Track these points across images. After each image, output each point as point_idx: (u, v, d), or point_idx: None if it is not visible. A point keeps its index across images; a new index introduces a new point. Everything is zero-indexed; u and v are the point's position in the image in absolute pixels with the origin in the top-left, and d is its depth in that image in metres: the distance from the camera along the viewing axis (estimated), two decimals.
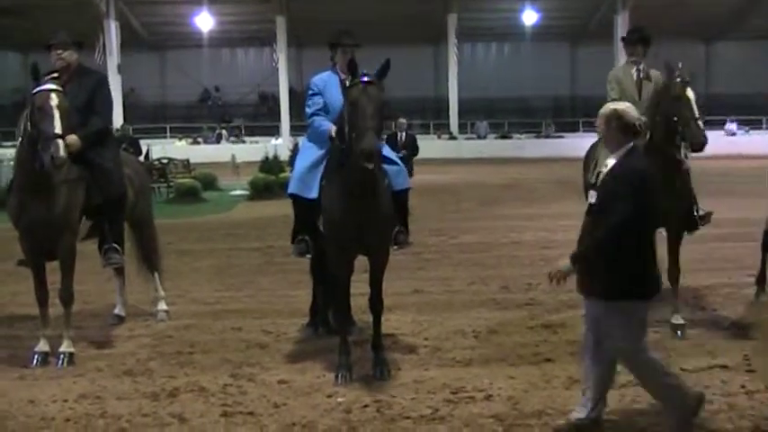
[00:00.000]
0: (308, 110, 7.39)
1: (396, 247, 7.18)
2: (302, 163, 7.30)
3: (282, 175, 21.28)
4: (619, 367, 6.26)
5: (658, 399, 5.46)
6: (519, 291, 9.73)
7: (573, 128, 42.29)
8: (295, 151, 18.36)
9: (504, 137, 43.00)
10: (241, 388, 6.49)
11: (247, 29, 43.43)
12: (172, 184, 22.55)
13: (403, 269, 10.93)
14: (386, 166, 6.96)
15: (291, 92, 40.63)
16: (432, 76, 46.09)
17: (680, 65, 7.61)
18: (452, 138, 42.38)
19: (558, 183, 23.61)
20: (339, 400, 6.18)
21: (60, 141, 6.69)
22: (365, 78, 6.41)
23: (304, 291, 8.46)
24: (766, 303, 8.78)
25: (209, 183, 23.88)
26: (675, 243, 7.91)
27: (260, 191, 21.28)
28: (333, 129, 6.92)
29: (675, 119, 7.40)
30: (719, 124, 38.31)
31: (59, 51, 7.63)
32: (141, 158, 22.25)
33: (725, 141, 35.56)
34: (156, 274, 8.94)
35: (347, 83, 6.69)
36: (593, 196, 5.33)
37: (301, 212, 7.32)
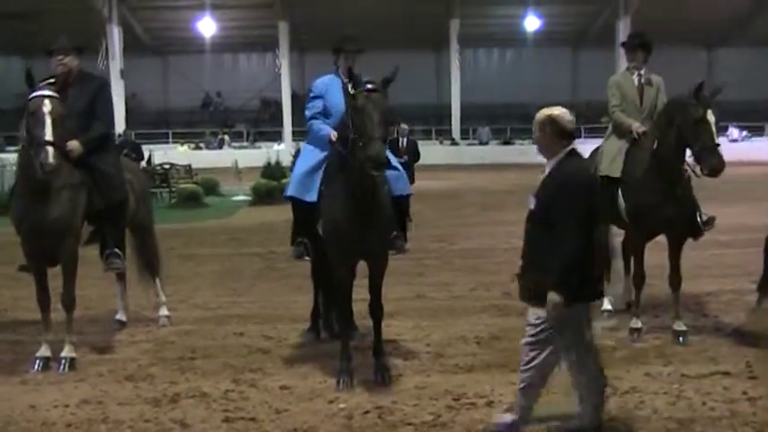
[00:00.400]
0: (307, 112, 7.43)
1: (392, 252, 7.17)
2: (302, 166, 7.30)
3: (285, 180, 21.28)
4: (616, 372, 6.27)
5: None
6: None
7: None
8: (297, 156, 18.49)
9: (506, 143, 43.01)
10: (243, 393, 6.49)
11: (250, 34, 43.47)
12: (174, 189, 22.58)
13: (404, 275, 10.94)
14: (386, 172, 6.95)
15: (294, 97, 40.63)
16: (434, 82, 46.11)
17: (704, 82, 7.43)
18: (454, 143, 42.40)
19: None
20: (341, 405, 6.18)
21: (50, 149, 6.67)
22: (369, 86, 6.40)
23: (306, 296, 8.46)
24: None
25: (212, 188, 23.92)
26: (676, 250, 7.90)
27: (262, 196, 21.30)
28: (333, 134, 6.92)
29: (695, 143, 7.30)
30: (722, 130, 38.27)
31: (60, 57, 7.63)
32: (143, 164, 22.31)
33: (727, 148, 35.39)
34: (158, 280, 8.94)
35: (350, 89, 6.67)
36: (531, 202, 5.24)
37: (300, 216, 7.32)
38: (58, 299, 7.44)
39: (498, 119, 44.31)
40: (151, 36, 44.62)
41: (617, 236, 9.00)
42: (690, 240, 8.05)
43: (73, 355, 7.29)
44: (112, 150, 8.25)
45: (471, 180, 29.15)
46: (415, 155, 18.17)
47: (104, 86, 8.14)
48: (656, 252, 8.31)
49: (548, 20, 42.70)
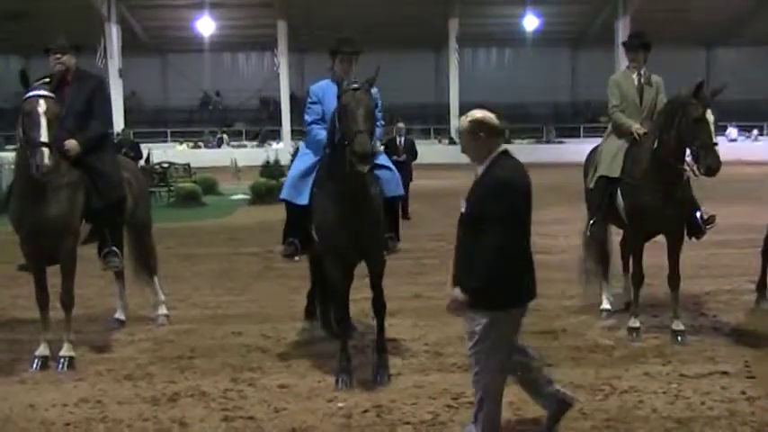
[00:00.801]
0: (307, 118, 7.49)
1: (384, 252, 7.21)
2: (296, 169, 7.42)
3: (283, 179, 21.27)
4: (615, 372, 6.28)
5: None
6: None
7: (573, 133, 42.34)
8: (295, 155, 18.52)
9: (504, 142, 42.83)
10: (241, 392, 6.49)
11: (249, 33, 43.46)
12: (172, 188, 22.56)
13: (403, 274, 10.94)
14: (378, 172, 7.05)
15: (292, 97, 40.62)
16: (432, 82, 46.12)
17: (704, 82, 7.43)
18: (453, 143, 42.33)
19: (558, 188, 23.57)
20: (339, 404, 6.18)
21: (46, 150, 6.66)
22: (353, 86, 6.52)
23: (304, 295, 8.46)
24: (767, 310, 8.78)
25: (210, 187, 23.89)
26: (675, 250, 7.91)
27: (261, 195, 21.28)
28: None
29: (694, 142, 7.32)
30: (720, 130, 38.31)
31: (58, 56, 7.63)
32: (142, 162, 22.27)
33: (725, 147, 35.49)
34: (156, 279, 8.94)
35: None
36: (463, 205, 5.19)
37: (293, 217, 7.43)
38: (56, 298, 7.44)
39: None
40: (150, 35, 44.59)
41: (616, 235, 9.01)
42: (688, 240, 8.06)
43: (72, 354, 7.29)
44: (110, 149, 8.25)
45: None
46: (413, 153, 18.23)
47: (102, 85, 8.15)
48: (654, 252, 8.32)
49: (547, 19, 42.66)
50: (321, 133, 7.18)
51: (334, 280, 6.90)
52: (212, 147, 41.46)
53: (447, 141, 42.29)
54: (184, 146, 40.96)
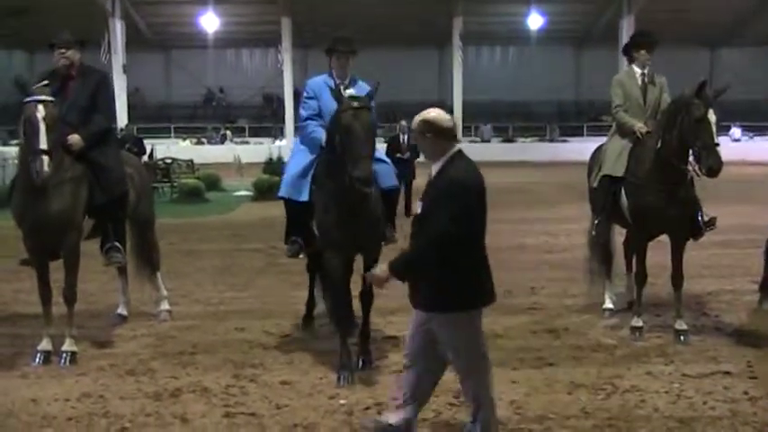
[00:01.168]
0: (302, 113, 7.56)
1: (383, 242, 7.30)
2: (293, 167, 7.44)
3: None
4: (617, 371, 6.27)
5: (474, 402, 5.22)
6: (522, 295, 9.71)
7: (577, 132, 42.32)
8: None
9: (508, 141, 43.01)
10: (243, 389, 6.49)
11: (252, 30, 43.44)
12: (175, 184, 22.56)
13: None
14: (376, 165, 7.02)
15: (296, 93, 40.45)
16: (436, 80, 46.10)
17: (706, 81, 7.43)
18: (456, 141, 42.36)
19: (561, 187, 23.61)
20: (341, 401, 6.18)
21: (45, 157, 6.72)
22: (355, 104, 6.51)
23: (306, 292, 8.46)
24: None
25: (213, 183, 23.90)
26: (679, 249, 7.89)
27: (263, 191, 21.26)
28: (323, 140, 7.08)
29: (695, 142, 7.31)
30: (724, 130, 38.26)
31: (62, 51, 7.64)
32: (145, 158, 22.29)
33: (729, 147, 35.47)
34: (158, 274, 8.95)
35: (341, 88, 6.97)
36: (418, 206, 5.14)
37: (293, 215, 7.50)
38: (59, 292, 7.45)
39: (500, 117, 44.30)
40: (154, 31, 44.59)
41: (620, 235, 9.00)
42: (691, 240, 8.05)
43: (74, 348, 7.30)
44: (113, 144, 8.25)
45: None
46: (417, 152, 18.21)
47: (105, 80, 8.14)
48: (657, 251, 8.31)
49: (551, 18, 42.60)
50: (318, 131, 7.25)
51: (335, 274, 6.95)
52: (215, 143, 41.48)
53: None
54: (188, 142, 40.99)
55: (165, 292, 8.91)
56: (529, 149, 40.65)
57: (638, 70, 8.39)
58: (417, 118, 5.12)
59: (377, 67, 38.19)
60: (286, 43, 40.89)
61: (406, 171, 17.70)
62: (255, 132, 43.65)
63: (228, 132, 42.73)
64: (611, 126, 8.75)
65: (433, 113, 5.08)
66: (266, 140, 38.53)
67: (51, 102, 6.94)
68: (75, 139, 7.37)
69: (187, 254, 12.76)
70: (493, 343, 7.71)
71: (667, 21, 36.13)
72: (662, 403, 6.10)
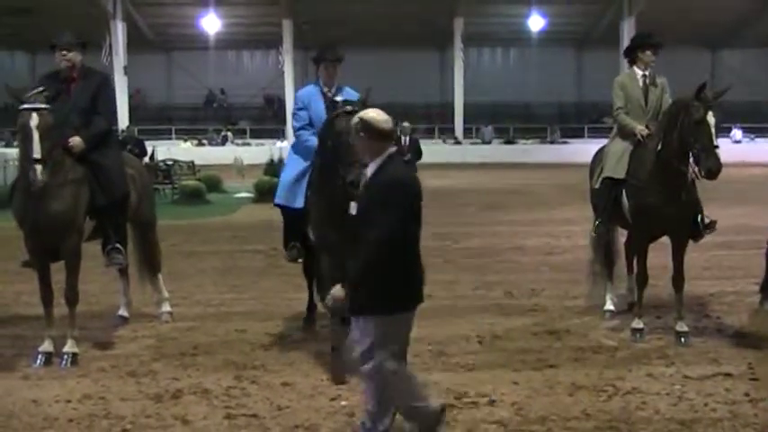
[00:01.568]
0: (295, 123, 7.80)
1: None
2: (288, 174, 7.66)
3: None
4: (618, 372, 6.25)
5: (403, 414, 5.16)
6: (523, 296, 9.72)
7: (578, 133, 42.31)
8: None
9: (509, 142, 43.00)
10: (244, 390, 6.49)
11: (254, 31, 43.48)
12: (176, 185, 22.56)
13: None
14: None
15: None
16: (437, 81, 46.11)
17: (706, 83, 7.45)
18: (457, 142, 42.40)
19: (562, 188, 23.60)
20: (342, 403, 6.18)
21: (39, 166, 6.76)
22: (348, 108, 6.54)
23: (307, 293, 8.46)
24: None
25: (214, 185, 23.89)
26: (680, 251, 7.90)
27: (264, 193, 21.20)
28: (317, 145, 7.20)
29: (694, 144, 7.31)
30: (725, 132, 38.27)
31: (64, 52, 7.66)
32: (146, 159, 22.29)
33: (730, 149, 35.50)
34: (160, 276, 8.95)
35: (330, 95, 7.27)
36: (353, 207, 5.13)
37: (290, 221, 7.70)
38: (60, 294, 7.45)
39: (501, 118, 44.29)
40: (155, 32, 44.63)
41: (621, 236, 9.00)
42: (691, 242, 8.05)
43: (75, 350, 7.30)
44: (114, 146, 8.27)
45: (474, 179, 29.12)
46: (418, 153, 18.24)
47: (106, 82, 8.16)
48: (658, 253, 8.31)
49: (552, 19, 42.63)
50: (311, 140, 7.42)
51: (330, 274, 6.98)
52: (216, 144, 41.47)
53: (452, 141, 42.30)
54: (189, 143, 40.96)
55: (166, 294, 8.91)
56: (530, 151, 40.62)
57: (639, 72, 8.38)
58: (356, 116, 5.13)
59: (378, 68, 38.31)
60: (287, 45, 40.95)
61: None
62: (256, 134, 43.63)
63: (230, 134, 42.73)
64: (611, 128, 8.75)
65: (371, 113, 5.04)
66: (267, 142, 38.50)
67: (46, 110, 6.96)
68: (76, 140, 7.39)
69: (188, 255, 12.76)
70: (493, 344, 7.76)
71: (668, 22, 36.07)
72: (663, 405, 6.10)
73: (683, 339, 7.68)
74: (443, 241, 14.11)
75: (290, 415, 5.95)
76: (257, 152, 32.65)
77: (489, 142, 42.80)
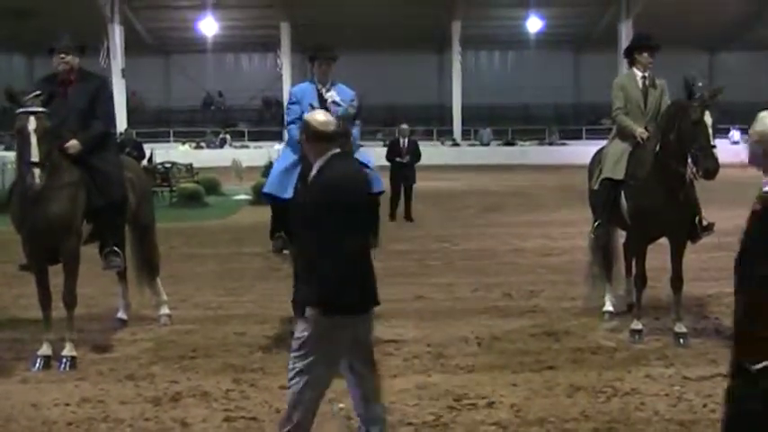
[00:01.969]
0: (286, 117, 7.93)
1: None
2: (279, 165, 7.83)
3: None
4: (617, 374, 6.25)
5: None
6: (522, 298, 9.72)
7: (576, 135, 42.27)
8: None
9: (507, 144, 42.99)
10: (243, 393, 6.49)
11: (251, 34, 43.48)
12: (175, 188, 22.54)
13: (406, 275, 10.96)
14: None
15: None
16: (435, 83, 46.09)
17: (701, 84, 7.46)
18: (455, 144, 42.39)
19: (561, 190, 23.60)
20: (340, 405, 6.16)
21: (36, 170, 6.78)
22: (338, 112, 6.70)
23: None
24: None
25: (212, 187, 23.89)
26: (678, 252, 7.90)
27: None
28: None
29: (692, 145, 7.31)
30: (723, 133, 38.28)
31: (62, 55, 7.67)
32: (145, 162, 22.27)
33: (728, 150, 35.49)
34: (158, 279, 8.95)
35: (323, 92, 7.49)
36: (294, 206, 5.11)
37: (278, 212, 7.72)
38: (58, 297, 7.45)
39: (500, 120, 44.27)
40: (153, 35, 44.61)
41: (620, 238, 9.01)
42: (689, 243, 8.06)
43: (74, 353, 7.29)
44: (112, 149, 8.28)
45: (472, 181, 29.12)
46: (417, 155, 18.25)
47: (104, 85, 8.19)
48: (657, 254, 8.32)
49: (550, 21, 42.67)
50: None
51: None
52: (215, 147, 41.44)
53: (450, 143, 42.30)
54: (187, 146, 40.92)
55: (164, 297, 8.91)
56: (528, 153, 40.62)
57: (638, 73, 8.39)
58: (304, 116, 5.15)
59: (376, 71, 38.35)
60: (285, 47, 41.00)
61: (406, 175, 17.75)
62: (255, 136, 43.57)
63: (228, 136, 42.71)
64: (610, 129, 8.76)
65: (315, 116, 5.04)
66: (266, 144, 38.47)
67: (43, 113, 6.96)
68: (73, 143, 7.40)
69: (186, 258, 12.76)
70: (492, 346, 7.77)
71: (666, 24, 36.02)
72: (662, 406, 6.10)
73: (681, 340, 7.69)
74: (442, 243, 14.13)
75: None
76: (255, 154, 32.57)
77: (487, 144, 42.79)
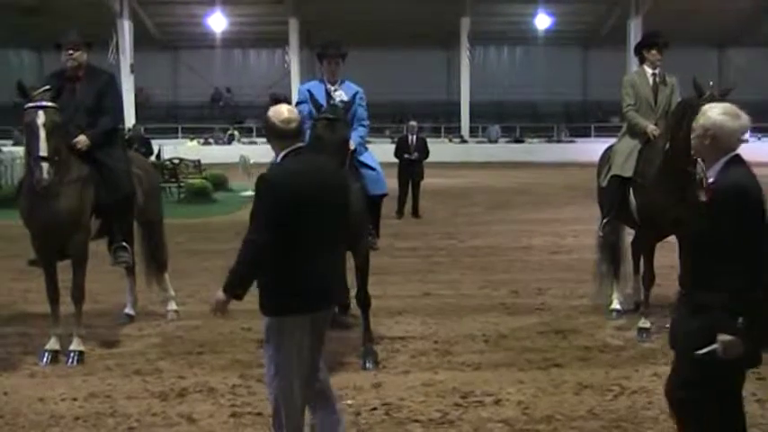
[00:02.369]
0: None
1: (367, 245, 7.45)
2: None
3: None
4: (625, 372, 6.22)
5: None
6: (529, 295, 9.70)
7: (584, 132, 42.21)
8: None
9: (515, 141, 42.93)
10: (250, 388, 6.50)
11: (260, 30, 43.48)
12: (183, 184, 22.57)
13: (413, 272, 10.96)
14: (364, 171, 7.38)
15: None
16: (444, 80, 46.05)
17: (711, 83, 7.43)
18: (463, 141, 42.35)
19: (568, 187, 23.57)
20: (348, 402, 6.17)
21: (44, 164, 6.80)
22: (330, 116, 6.63)
23: None
24: None
25: (220, 183, 23.92)
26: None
27: None
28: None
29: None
30: None
31: (70, 51, 7.67)
32: (153, 158, 22.32)
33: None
34: (166, 274, 8.96)
35: (332, 91, 7.45)
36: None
37: None
38: (67, 292, 7.47)
39: (508, 117, 44.25)
40: (161, 31, 44.65)
41: (628, 235, 8.98)
42: None
43: (81, 348, 7.32)
44: (120, 145, 8.29)
45: (480, 178, 29.09)
46: (424, 152, 18.24)
47: (112, 81, 8.18)
48: (665, 252, 8.28)
49: (559, 18, 42.57)
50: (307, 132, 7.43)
51: None
52: (223, 143, 41.49)
53: (458, 140, 42.27)
54: (195, 142, 40.97)
55: (172, 292, 8.92)
56: (536, 150, 40.55)
57: (649, 70, 8.38)
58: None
59: (384, 67, 38.33)
60: (293, 44, 41.01)
61: (414, 171, 17.75)
62: (262, 133, 43.51)
63: (236, 133, 42.75)
64: (619, 127, 8.74)
65: (278, 110, 4.83)
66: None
67: (52, 108, 6.98)
68: (81, 139, 7.41)
69: (194, 254, 12.76)
70: (499, 343, 7.76)
71: (675, 21, 35.99)
72: None
73: None
74: (449, 240, 14.12)
75: None
76: (263, 151, 32.25)
77: (495, 141, 42.74)
